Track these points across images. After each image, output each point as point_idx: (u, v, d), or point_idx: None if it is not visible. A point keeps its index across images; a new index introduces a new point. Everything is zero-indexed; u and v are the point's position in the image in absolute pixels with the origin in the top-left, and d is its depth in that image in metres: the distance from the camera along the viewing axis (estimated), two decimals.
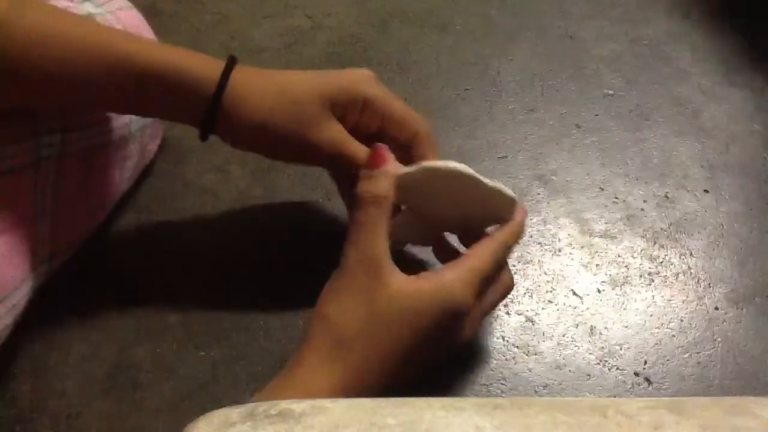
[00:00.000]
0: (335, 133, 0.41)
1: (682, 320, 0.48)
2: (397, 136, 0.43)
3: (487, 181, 0.40)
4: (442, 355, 0.39)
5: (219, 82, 0.39)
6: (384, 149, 0.41)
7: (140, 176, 0.52)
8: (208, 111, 0.39)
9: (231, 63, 0.40)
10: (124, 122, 0.46)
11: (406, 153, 0.43)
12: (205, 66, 0.39)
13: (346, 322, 0.36)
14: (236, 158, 0.55)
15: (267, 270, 0.49)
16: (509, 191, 0.41)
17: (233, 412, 0.23)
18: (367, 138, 0.42)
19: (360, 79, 0.42)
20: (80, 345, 0.44)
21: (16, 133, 0.38)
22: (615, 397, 0.44)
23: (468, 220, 0.43)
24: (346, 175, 0.45)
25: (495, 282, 0.40)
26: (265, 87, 0.40)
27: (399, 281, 0.37)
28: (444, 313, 0.36)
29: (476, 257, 0.38)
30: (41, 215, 0.41)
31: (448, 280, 0.36)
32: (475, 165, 0.58)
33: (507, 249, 0.40)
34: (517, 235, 0.41)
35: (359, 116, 0.42)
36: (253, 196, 0.53)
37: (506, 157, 0.57)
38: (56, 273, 0.44)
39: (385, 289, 0.36)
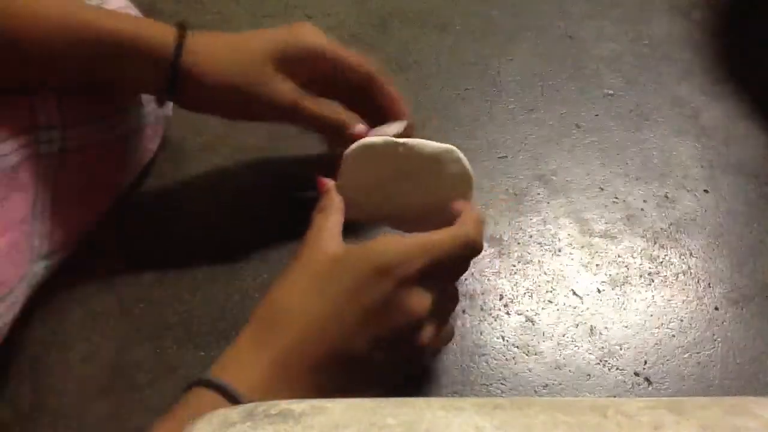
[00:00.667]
0: (287, 88, 0.44)
1: (682, 320, 0.48)
2: (352, 82, 0.46)
3: (432, 145, 0.40)
4: (395, 346, 0.36)
5: (175, 47, 0.41)
6: (322, 182, 0.42)
7: (140, 176, 0.52)
8: (167, 75, 0.41)
9: (182, 28, 0.42)
10: (124, 120, 0.46)
11: (369, 104, 0.46)
12: (161, 33, 0.41)
13: (285, 296, 0.36)
14: (236, 158, 0.55)
15: (267, 270, 0.49)
16: (459, 155, 0.41)
17: (233, 412, 0.23)
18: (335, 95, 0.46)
19: (304, 32, 0.44)
20: (80, 345, 0.44)
21: (15, 129, 0.38)
22: (615, 397, 0.44)
23: (426, 201, 0.42)
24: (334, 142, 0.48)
25: (448, 293, 0.39)
26: (218, 48, 0.42)
27: (335, 248, 0.37)
28: (376, 269, 0.34)
29: (424, 234, 0.37)
30: (41, 212, 0.41)
31: (381, 240, 0.36)
32: (475, 165, 0.58)
33: (462, 243, 0.37)
34: (471, 234, 0.38)
35: (312, 68, 0.44)
36: (253, 196, 0.53)
37: (506, 157, 0.57)
38: (55, 271, 0.44)
39: (321, 257, 0.36)
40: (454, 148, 0.41)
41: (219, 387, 0.32)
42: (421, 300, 0.35)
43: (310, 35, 0.44)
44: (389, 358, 0.36)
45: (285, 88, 0.44)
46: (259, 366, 0.33)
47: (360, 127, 0.45)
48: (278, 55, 0.43)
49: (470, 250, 0.38)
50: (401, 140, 0.41)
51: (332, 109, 0.46)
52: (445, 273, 0.38)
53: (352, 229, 0.40)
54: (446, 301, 0.39)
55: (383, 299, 0.34)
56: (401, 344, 0.36)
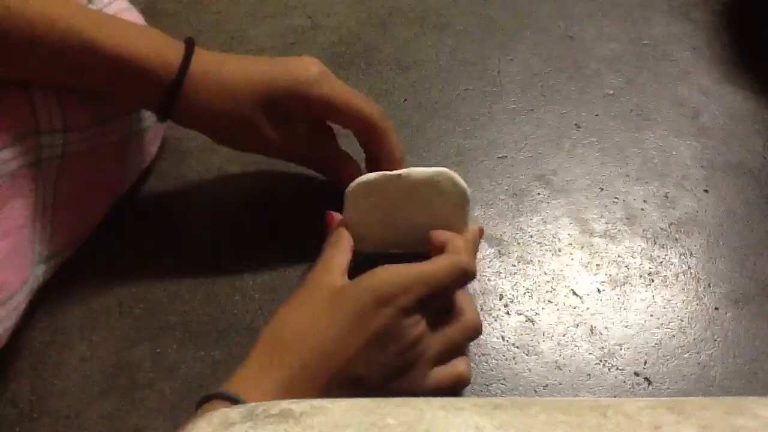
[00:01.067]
0: (275, 136, 0.44)
1: (682, 320, 0.48)
2: (349, 127, 0.46)
3: (426, 171, 0.42)
4: (399, 371, 0.37)
5: (178, 74, 0.41)
6: (331, 217, 0.44)
7: (140, 177, 0.52)
8: (165, 99, 0.41)
9: (189, 52, 0.41)
10: (125, 123, 0.46)
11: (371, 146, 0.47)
12: (165, 52, 0.40)
13: (293, 321, 0.38)
14: (236, 158, 0.55)
15: (268, 270, 0.49)
16: (451, 174, 0.42)
17: (233, 412, 0.23)
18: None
19: (299, 77, 0.43)
20: (80, 345, 0.44)
21: (17, 134, 0.38)
22: (615, 397, 0.44)
23: (429, 223, 0.43)
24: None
25: (454, 314, 0.40)
26: (214, 83, 0.42)
27: (341, 281, 0.39)
28: (378, 298, 0.36)
29: (420, 264, 0.38)
30: (42, 216, 0.41)
31: (381, 272, 0.38)
32: (475, 165, 0.58)
33: (457, 272, 0.39)
34: (469, 249, 0.42)
35: (305, 109, 0.44)
36: (253, 196, 0.53)
37: (506, 157, 0.57)
38: (56, 273, 0.44)
39: (327, 289, 0.38)
40: (446, 169, 0.42)
41: (233, 400, 0.33)
42: (419, 325, 0.37)
43: (305, 84, 0.43)
44: (400, 384, 0.37)
45: (273, 136, 0.44)
46: (268, 385, 0.35)
47: (351, 171, 0.47)
48: (267, 99, 0.43)
49: (464, 276, 0.39)
50: (396, 172, 0.42)
51: (324, 154, 0.48)
52: (442, 297, 0.39)
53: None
54: (449, 320, 0.40)
55: (384, 326, 0.36)
56: (407, 367, 0.37)
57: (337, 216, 0.44)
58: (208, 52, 0.43)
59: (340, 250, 0.41)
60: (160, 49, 0.40)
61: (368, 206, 0.43)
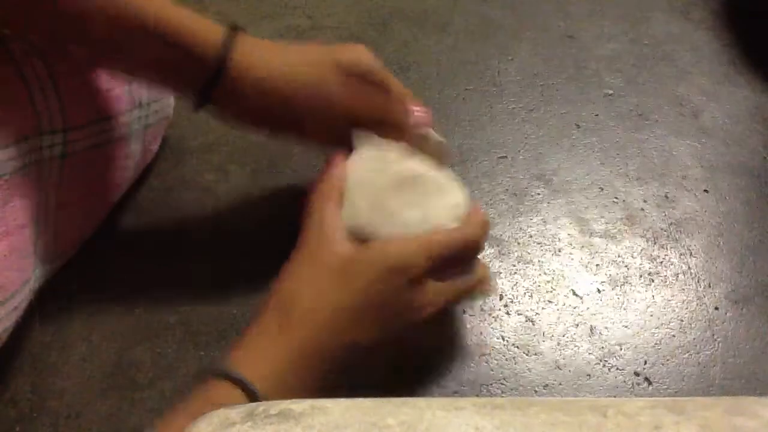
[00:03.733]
0: (342, 92, 0.42)
1: (682, 320, 0.48)
2: (386, 115, 0.44)
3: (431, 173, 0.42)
4: (400, 328, 0.39)
5: (223, 42, 0.39)
6: (337, 157, 0.42)
7: (140, 176, 0.52)
8: (211, 72, 0.39)
9: (234, 26, 0.40)
10: (125, 122, 0.46)
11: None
12: (210, 28, 0.39)
13: (303, 290, 0.37)
14: (236, 158, 0.55)
15: (267, 270, 0.48)
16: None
17: (233, 412, 0.23)
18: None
19: (360, 51, 0.43)
20: (80, 345, 0.44)
21: (19, 134, 0.38)
22: (615, 397, 0.44)
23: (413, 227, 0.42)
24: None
25: (464, 271, 0.41)
26: (278, 49, 0.41)
27: (347, 248, 0.38)
28: (389, 270, 0.37)
29: (430, 235, 0.39)
30: (43, 216, 0.41)
31: (395, 241, 0.38)
32: (475, 165, 0.58)
33: (462, 242, 0.39)
34: (478, 232, 0.41)
35: (364, 90, 0.42)
36: (253, 196, 0.53)
37: (506, 157, 0.57)
38: (57, 273, 0.44)
39: (334, 256, 0.38)
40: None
41: (236, 380, 0.34)
42: (428, 292, 0.38)
43: (365, 56, 0.43)
44: (396, 322, 0.38)
45: (342, 92, 0.42)
46: (276, 352, 0.35)
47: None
48: (346, 67, 0.42)
49: (472, 248, 0.40)
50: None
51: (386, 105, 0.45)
52: (451, 263, 0.40)
53: None
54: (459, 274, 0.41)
55: (396, 297, 0.37)
56: (418, 323, 0.39)
57: (342, 160, 0.42)
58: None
59: (336, 206, 0.40)
60: (204, 22, 0.40)
61: (369, 170, 0.42)
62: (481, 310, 0.47)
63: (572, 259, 0.51)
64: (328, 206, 0.40)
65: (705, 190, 0.55)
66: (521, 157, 0.57)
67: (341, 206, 0.40)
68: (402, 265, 0.37)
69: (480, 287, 0.42)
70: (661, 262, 0.51)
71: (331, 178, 0.41)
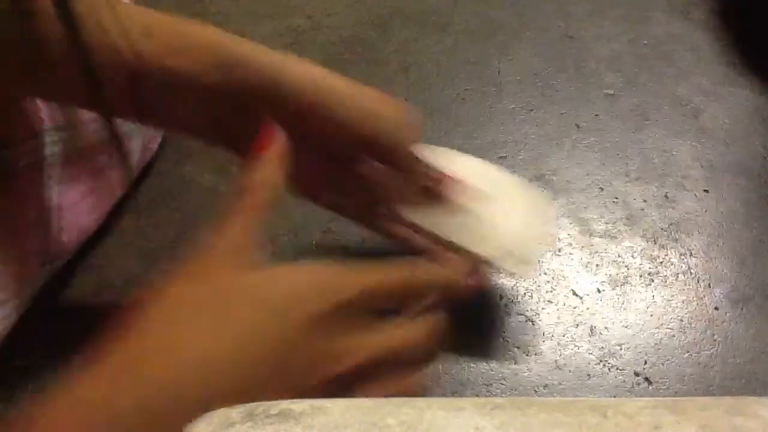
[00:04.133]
0: None
1: (682, 320, 0.48)
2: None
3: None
4: (300, 391, 0.26)
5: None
6: (271, 129, 0.33)
7: (140, 176, 0.52)
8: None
9: None
10: (126, 120, 0.46)
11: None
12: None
13: (158, 319, 0.27)
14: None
15: None
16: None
17: (233, 412, 0.23)
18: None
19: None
20: (80, 345, 0.44)
21: (22, 133, 0.38)
22: (615, 397, 0.44)
23: None
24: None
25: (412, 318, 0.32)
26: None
27: (241, 268, 0.29)
28: (284, 299, 0.27)
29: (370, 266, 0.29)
30: (45, 216, 0.41)
31: (304, 262, 0.29)
32: None
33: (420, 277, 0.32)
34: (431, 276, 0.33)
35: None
36: None
37: (506, 157, 0.57)
38: (57, 273, 0.44)
39: (223, 278, 0.28)
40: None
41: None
42: (351, 339, 0.28)
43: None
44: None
45: None
46: (116, 400, 0.26)
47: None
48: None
49: (415, 290, 0.31)
50: None
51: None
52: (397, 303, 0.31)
53: None
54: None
55: (295, 342, 0.27)
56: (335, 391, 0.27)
57: (275, 132, 0.33)
58: None
59: (258, 204, 0.30)
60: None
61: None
62: (482, 310, 0.47)
63: (572, 259, 0.51)
64: (248, 197, 0.31)
65: (705, 190, 0.55)
66: (521, 157, 0.57)
67: (263, 217, 0.31)
68: (310, 299, 0.27)
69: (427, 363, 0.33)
70: (661, 262, 0.51)
71: (252, 181, 0.31)
